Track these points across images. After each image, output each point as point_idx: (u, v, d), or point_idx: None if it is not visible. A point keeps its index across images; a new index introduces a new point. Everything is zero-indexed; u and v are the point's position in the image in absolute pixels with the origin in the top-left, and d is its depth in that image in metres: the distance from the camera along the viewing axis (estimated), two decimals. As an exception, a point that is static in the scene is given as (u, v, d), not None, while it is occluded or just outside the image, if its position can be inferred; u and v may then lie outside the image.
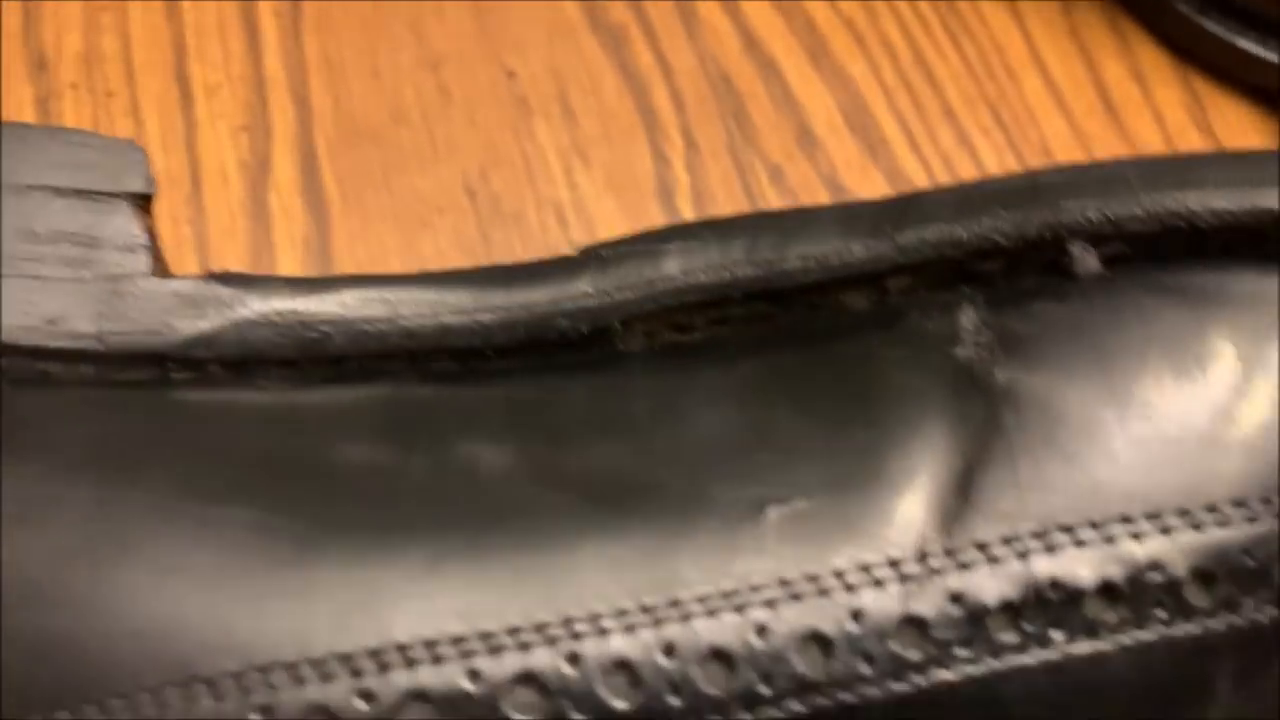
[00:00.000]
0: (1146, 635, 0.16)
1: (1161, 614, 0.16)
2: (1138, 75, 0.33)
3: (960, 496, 0.16)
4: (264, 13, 0.33)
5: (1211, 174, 0.17)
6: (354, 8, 0.33)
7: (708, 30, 0.33)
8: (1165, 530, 0.16)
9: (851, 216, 0.18)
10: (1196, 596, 0.16)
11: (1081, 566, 0.16)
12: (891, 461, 0.16)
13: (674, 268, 0.18)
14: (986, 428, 0.16)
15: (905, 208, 0.18)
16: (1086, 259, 0.17)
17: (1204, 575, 0.16)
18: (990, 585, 0.16)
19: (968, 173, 0.32)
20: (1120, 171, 0.18)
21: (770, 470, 0.16)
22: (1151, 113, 0.33)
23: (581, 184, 0.31)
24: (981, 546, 0.16)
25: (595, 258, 0.19)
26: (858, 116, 0.32)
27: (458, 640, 0.15)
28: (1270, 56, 0.32)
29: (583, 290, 0.19)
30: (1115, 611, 0.16)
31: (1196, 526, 0.16)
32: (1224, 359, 0.17)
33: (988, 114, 0.33)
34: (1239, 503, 0.16)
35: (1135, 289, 0.17)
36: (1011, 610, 0.16)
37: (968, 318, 0.17)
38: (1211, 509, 0.16)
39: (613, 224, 0.30)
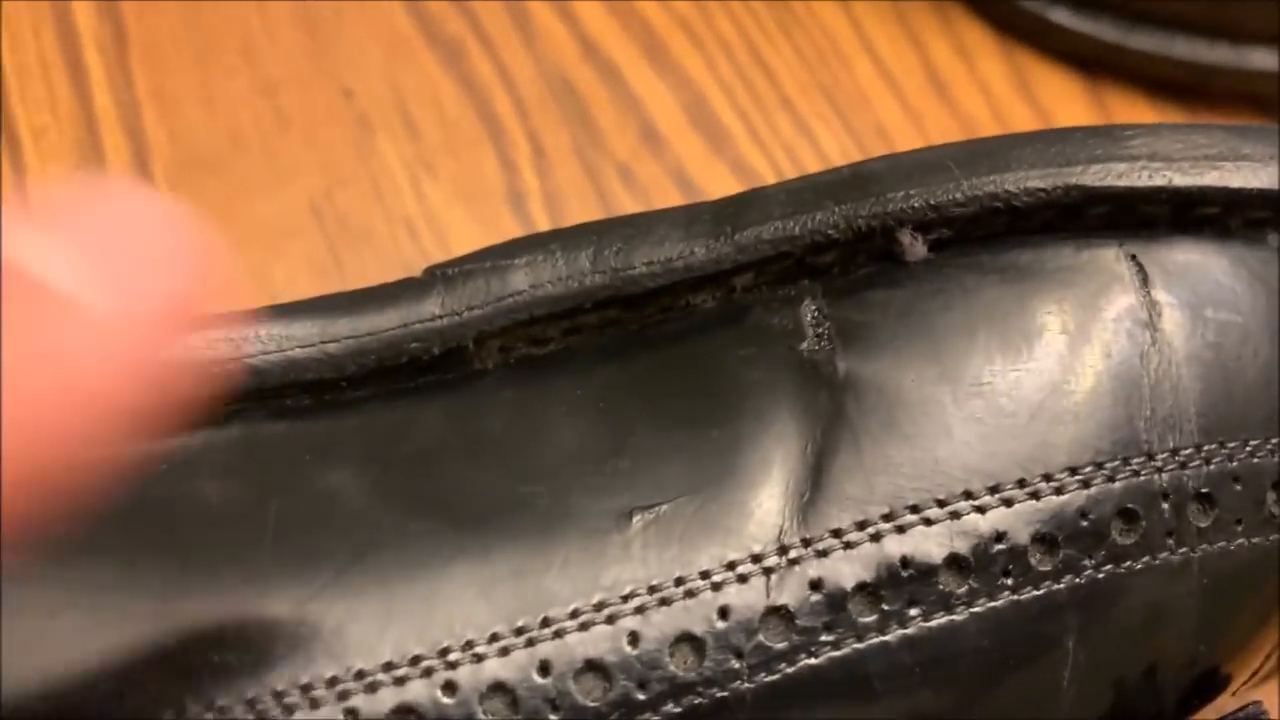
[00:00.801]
0: (996, 603, 0.16)
1: (1008, 581, 0.16)
2: (963, 52, 0.35)
3: (813, 486, 0.16)
4: (88, 49, 0.32)
5: (1025, 155, 0.18)
6: (183, 38, 0.32)
7: (545, 37, 0.33)
8: (1006, 502, 0.17)
9: (692, 218, 0.19)
10: (1040, 561, 0.17)
11: (930, 543, 0.16)
12: (747, 458, 0.17)
13: (522, 281, 0.18)
14: (832, 417, 0.17)
15: (741, 206, 0.19)
16: (915, 245, 0.18)
17: (1045, 540, 0.17)
18: (847, 570, 0.16)
19: (809, 160, 0.33)
20: (940, 158, 0.18)
21: (631, 477, 0.17)
22: (978, 87, 0.34)
23: (430, 196, 0.31)
24: (836, 533, 0.16)
25: (441, 277, 0.19)
26: (699, 112, 0.33)
27: (331, 682, 0.15)
28: (1082, 27, 0.34)
29: (431, 311, 0.19)
30: (965, 583, 0.16)
31: (1035, 495, 0.17)
32: (1049, 332, 0.17)
33: (823, 101, 0.33)
34: (1073, 469, 0.17)
35: (961, 270, 0.18)
36: (869, 591, 0.16)
37: (808, 310, 0.18)
38: (1048, 477, 0.17)
39: (465, 233, 0.30)
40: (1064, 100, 0.34)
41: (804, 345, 0.18)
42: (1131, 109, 0.34)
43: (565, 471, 0.17)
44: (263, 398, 0.18)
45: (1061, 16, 0.34)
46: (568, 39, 0.33)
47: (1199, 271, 0.18)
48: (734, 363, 0.18)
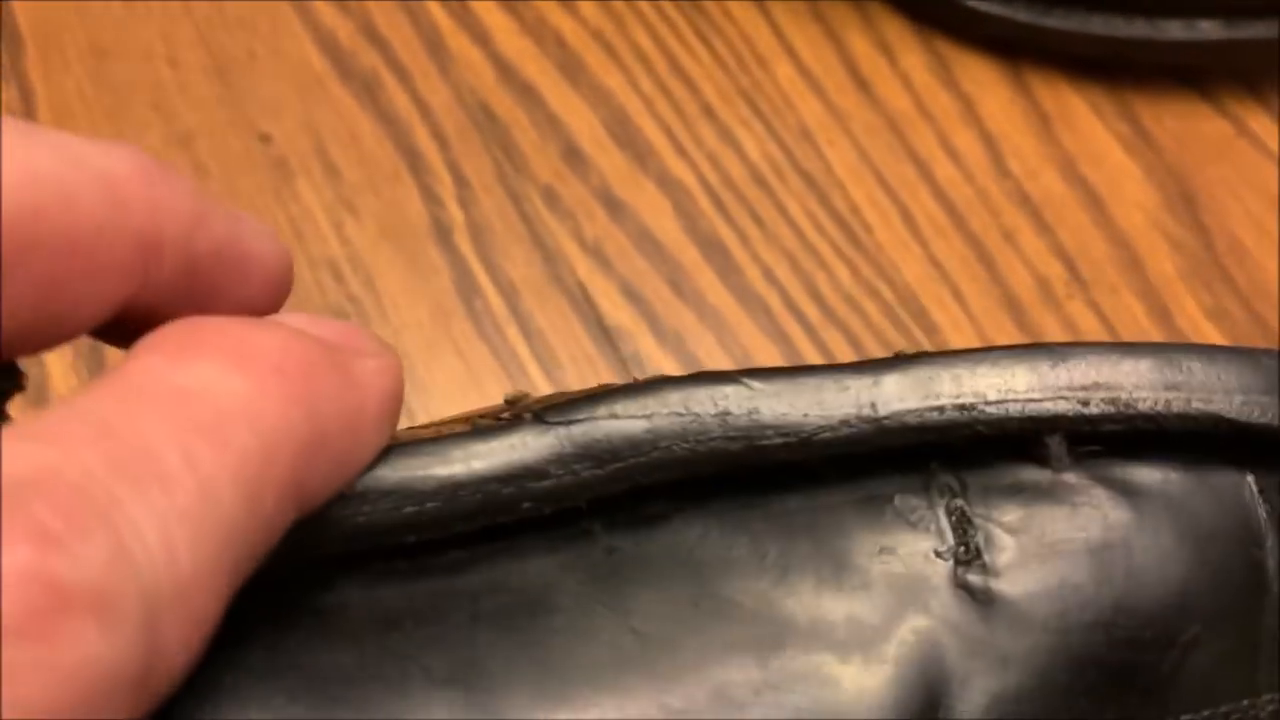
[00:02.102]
0: None
1: None
2: (883, 47, 0.35)
3: (943, 712, 0.16)
4: (-4, 114, 0.32)
5: (1170, 377, 0.18)
6: (92, 96, 0.32)
7: (460, 64, 0.33)
8: None
9: (826, 387, 0.18)
10: None
11: None
12: (883, 694, 0.16)
13: (645, 440, 0.17)
14: (975, 642, 0.17)
15: (883, 381, 0.18)
16: (1062, 454, 0.18)
17: None
18: None
19: (734, 168, 0.32)
20: (1093, 370, 0.18)
21: (787, 695, 0.16)
22: (900, 81, 0.34)
23: (353, 237, 0.30)
24: None
25: (556, 426, 0.17)
26: (621, 128, 0.33)
27: None
28: (1000, 11, 0.34)
29: (546, 468, 0.17)
30: None
31: None
32: (1178, 562, 0.18)
33: (745, 106, 0.33)
34: (1196, 709, 0.17)
35: (1102, 489, 0.18)
36: None
37: (951, 513, 0.18)
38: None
39: (392, 273, 0.30)
40: (986, 86, 0.34)
41: (951, 555, 0.17)
42: (1053, 90, 0.34)
43: (708, 690, 0.16)
44: (348, 562, 0.16)
45: (978, 2, 0.33)
46: (483, 63, 0.33)
47: None
48: (879, 566, 0.17)
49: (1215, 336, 0.31)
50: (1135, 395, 0.18)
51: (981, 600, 0.17)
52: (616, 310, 0.30)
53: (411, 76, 0.33)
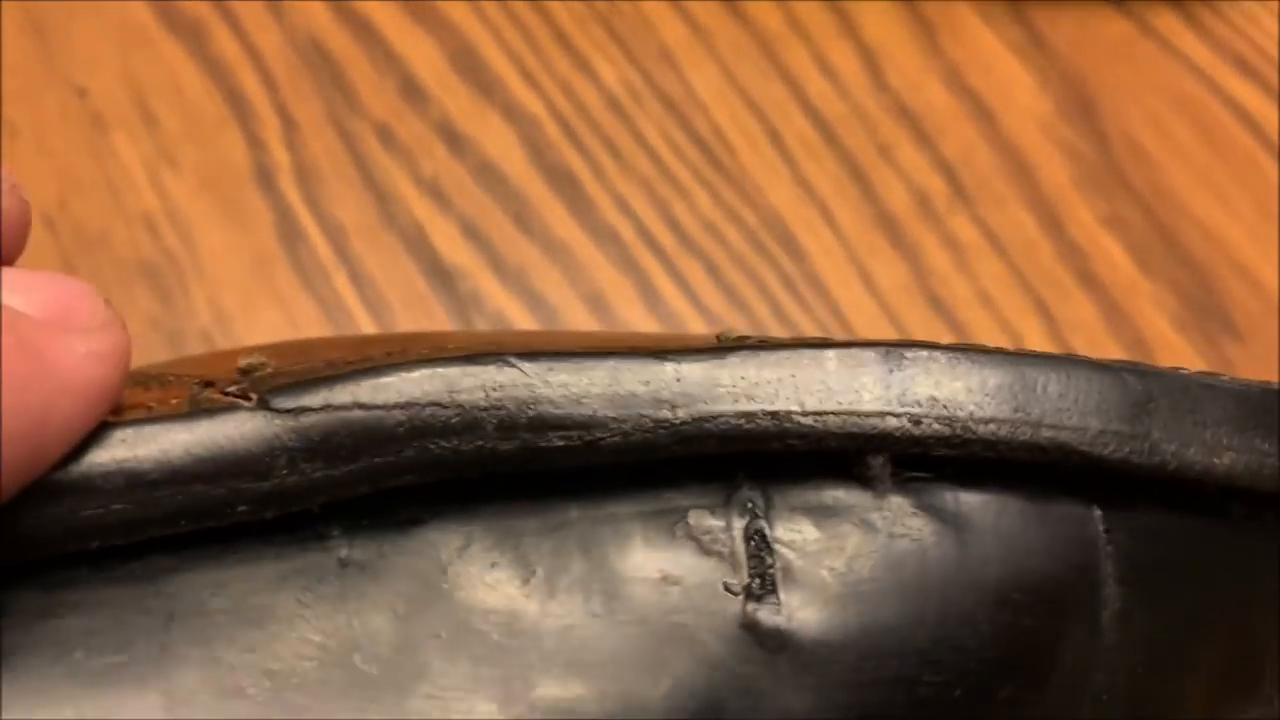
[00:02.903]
0: None
1: None
2: (752, -37, 0.32)
3: None
4: None
5: (1019, 399, 0.15)
6: (-100, 58, 0.30)
7: (293, 4, 0.31)
8: None
9: (619, 381, 0.15)
10: None
11: None
12: None
13: (400, 435, 0.14)
14: (756, 692, 0.14)
15: (685, 380, 0.15)
16: (884, 475, 0.15)
17: None
18: None
19: (588, 96, 0.30)
20: (930, 381, 0.15)
21: None
22: (770, -3, 0.32)
23: (172, 190, 0.28)
24: None
25: (285, 415, 0.14)
26: (465, 60, 0.30)
27: None
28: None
29: (268, 466, 0.14)
30: None
31: None
32: (1006, 603, 0.15)
33: (602, 31, 0.31)
34: None
35: (925, 519, 0.15)
36: None
37: (751, 534, 0.15)
38: None
39: (211, 223, 0.28)
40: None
41: (742, 587, 0.15)
42: (942, 3, 0.32)
43: None
44: (32, 569, 0.14)
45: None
46: (318, 1, 0.31)
47: (1168, 550, 0.16)
48: (659, 600, 0.15)
49: (1111, 244, 0.29)
50: (976, 417, 0.15)
51: (770, 646, 0.15)
52: (454, 249, 0.28)
53: (242, 21, 0.31)
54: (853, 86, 0.31)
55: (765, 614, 0.14)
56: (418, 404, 0.14)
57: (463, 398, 0.14)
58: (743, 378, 0.15)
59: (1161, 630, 0.16)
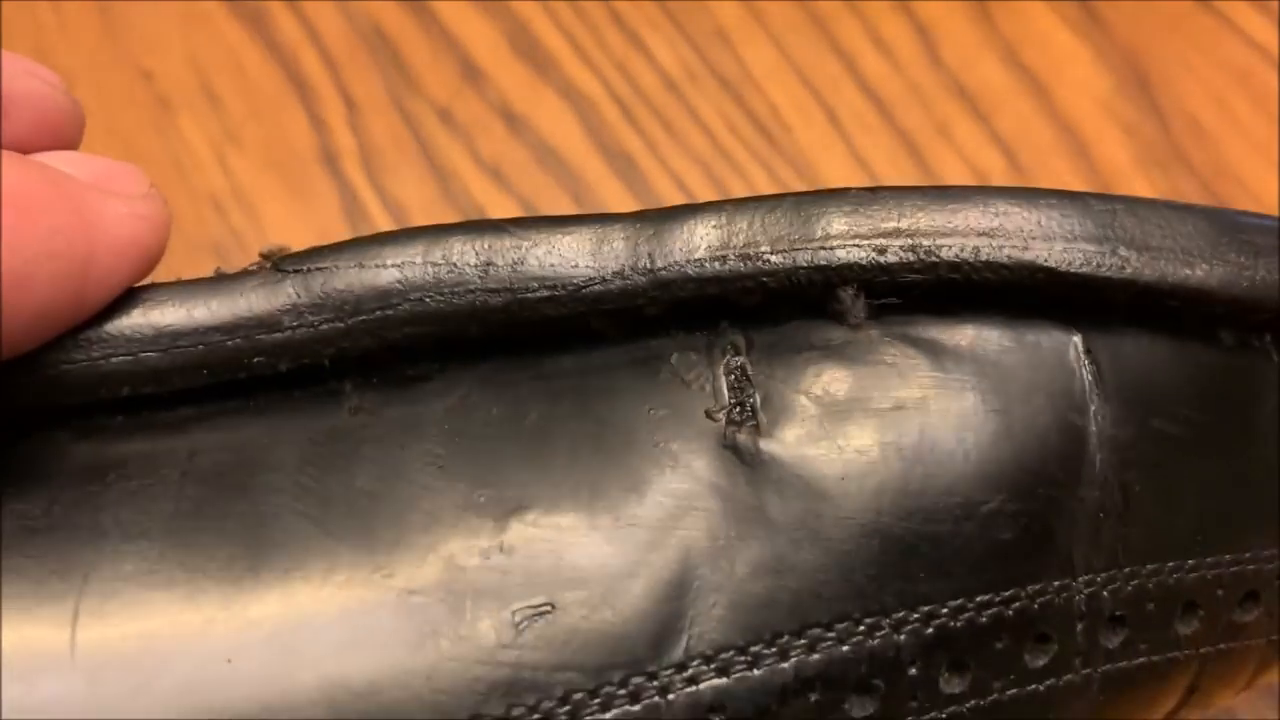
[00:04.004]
0: None
1: (914, 704, 0.15)
2: (806, -60, 0.32)
3: (722, 593, 0.14)
4: (-126, 68, 0.30)
5: (990, 221, 0.16)
6: (-30, 42, 0.31)
7: (352, -14, 0.31)
8: (924, 621, 0.15)
9: (600, 238, 0.16)
10: (948, 684, 0.15)
11: (841, 665, 0.15)
12: (652, 557, 0.15)
13: (396, 291, 0.15)
14: (750, 514, 0.15)
15: (659, 232, 0.16)
16: (855, 307, 0.16)
17: (958, 665, 0.15)
18: (748, 693, 0.14)
19: (643, 76, 0.30)
20: (899, 207, 0.16)
21: (518, 569, 0.14)
22: (825, -26, 0.32)
23: (237, 169, 0.29)
24: (742, 650, 0.14)
25: (294, 274, 0.15)
26: (522, 41, 0.31)
27: None
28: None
29: (281, 319, 0.15)
30: (873, 706, 0.15)
31: (955, 615, 0.15)
32: (985, 433, 0.15)
33: (656, 9, 0.31)
34: (995, 590, 0.15)
35: (904, 346, 0.16)
36: (771, 715, 0.14)
37: (729, 370, 0.16)
38: (969, 596, 0.15)
39: (277, 204, 0.28)
40: (917, -28, 0.32)
41: (724, 415, 0.15)
42: (991, -29, 0.32)
43: (440, 555, 0.14)
44: (70, 414, 0.15)
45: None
46: (377, -16, 0.31)
47: (1151, 373, 0.16)
48: (646, 427, 0.15)
49: (1169, 221, 0.29)
50: (939, 243, 0.15)
51: (750, 463, 0.15)
52: (514, 229, 0.28)
53: (301, 2, 0.31)
54: (908, 63, 0.31)
55: (745, 436, 0.15)
56: (412, 262, 0.15)
57: (454, 256, 0.15)
58: (715, 226, 0.16)
59: (1153, 449, 0.16)
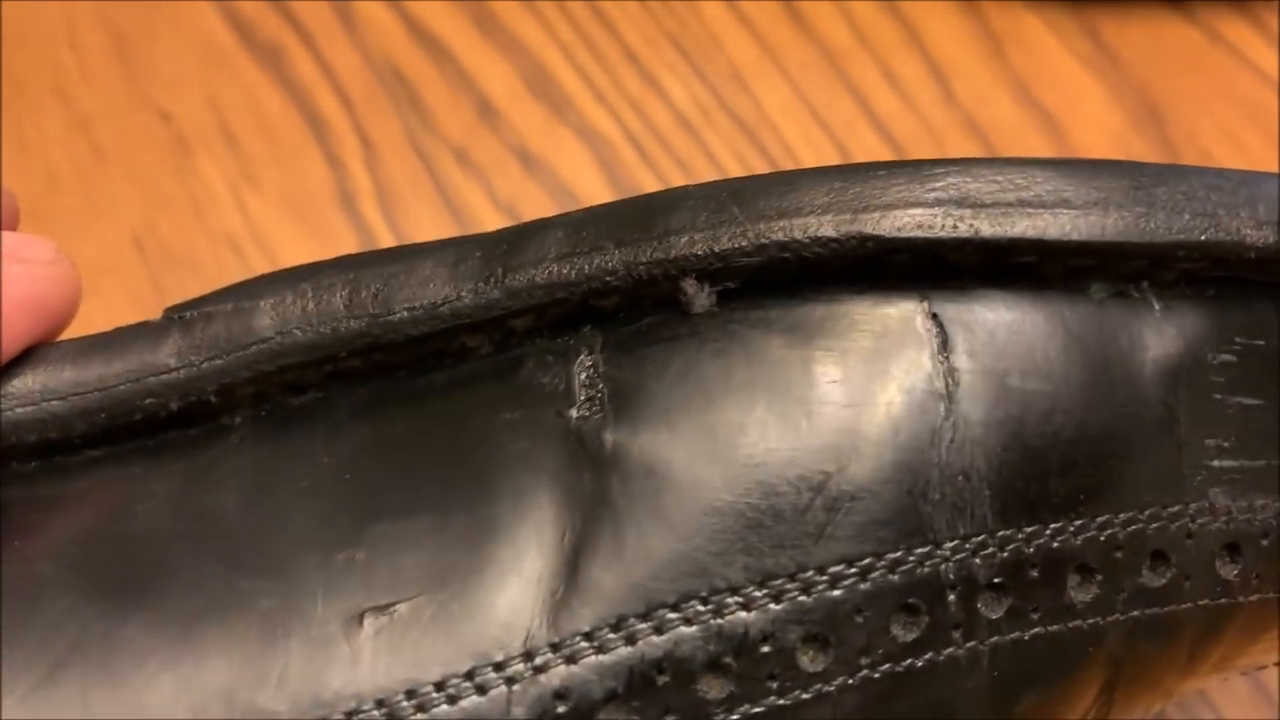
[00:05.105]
0: (759, 709, 0.15)
1: (773, 685, 0.15)
2: (819, -22, 0.32)
3: (567, 582, 0.15)
4: (-105, 109, 0.31)
5: (819, 197, 0.16)
6: (-10, 83, 0.31)
7: (368, 24, 0.31)
8: (775, 598, 0.15)
9: (460, 257, 0.17)
10: (810, 662, 0.15)
11: (691, 645, 0.15)
12: (497, 550, 0.15)
13: (267, 326, 0.16)
14: (595, 501, 0.15)
15: (515, 244, 0.16)
16: (699, 296, 0.16)
17: (816, 639, 0.15)
18: (597, 677, 0.14)
19: (659, 116, 0.30)
20: (729, 195, 0.16)
21: (368, 572, 0.15)
22: (839, 10, 0.32)
23: (254, 210, 0.29)
24: (588, 635, 0.15)
25: (178, 321, 0.17)
26: (538, 81, 0.31)
27: None
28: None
29: (166, 362, 0.17)
30: (728, 688, 0.15)
31: (807, 590, 0.15)
32: (831, 404, 0.15)
33: (670, 49, 0.31)
34: (850, 561, 0.15)
35: (746, 327, 0.16)
36: (621, 701, 0.15)
37: (583, 367, 0.16)
38: (821, 570, 0.15)
39: (294, 243, 0.28)
40: (931, 10, 0.32)
41: (574, 411, 0.16)
42: (1005, 9, 0.32)
43: (295, 564, 0.15)
44: None
45: (911, -79, 0.31)
46: (393, 24, 0.31)
47: (1007, 333, 0.16)
48: (498, 430, 0.16)
49: (1184, 259, 0.29)
50: (769, 225, 0.16)
51: (596, 454, 0.15)
52: (531, 269, 0.28)
53: (318, 43, 0.31)
54: (921, 100, 0.31)
55: (590, 427, 0.16)
56: (282, 299, 0.17)
57: (321, 290, 0.17)
58: (563, 233, 0.16)
59: (1017, 409, 0.16)
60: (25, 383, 0.17)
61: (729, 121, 0.30)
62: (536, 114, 0.30)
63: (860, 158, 0.30)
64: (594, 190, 0.29)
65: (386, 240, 0.29)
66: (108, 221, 0.29)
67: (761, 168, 0.30)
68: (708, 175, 0.30)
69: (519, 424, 0.16)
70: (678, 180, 0.30)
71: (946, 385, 0.16)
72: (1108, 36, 0.32)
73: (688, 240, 0.16)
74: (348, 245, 0.28)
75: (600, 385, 0.16)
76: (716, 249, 0.16)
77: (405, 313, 0.16)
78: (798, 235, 0.16)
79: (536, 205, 0.29)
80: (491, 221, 0.29)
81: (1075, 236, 0.16)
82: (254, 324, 0.16)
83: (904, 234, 0.16)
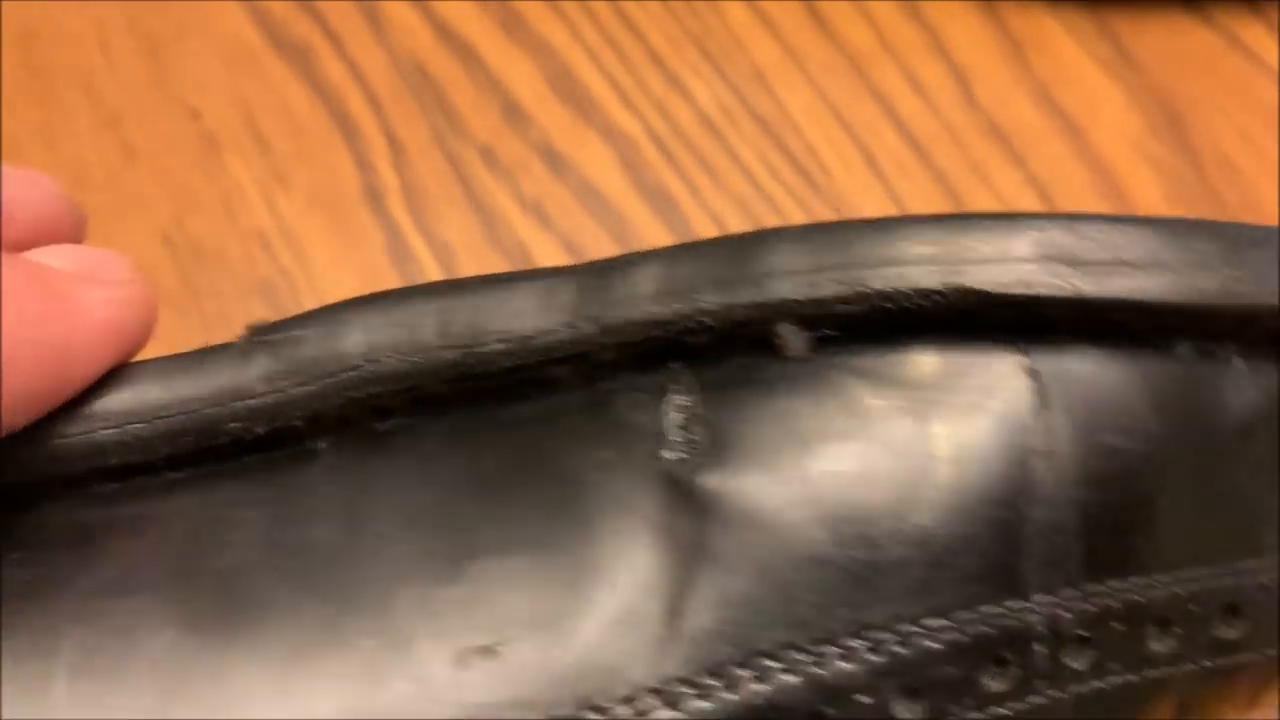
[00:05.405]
0: None
1: None
2: (841, -18, 0.33)
3: (669, 628, 0.15)
4: (-73, 108, 0.31)
5: (922, 249, 0.16)
6: (22, 80, 0.31)
7: (396, 26, 0.32)
8: (873, 649, 0.15)
9: (552, 290, 0.16)
10: (903, 711, 0.15)
11: (791, 695, 0.15)
12: (599, 593, 0.15)
13: (357, 353, 0.16)
14: (695, 546, 0.15)
15: (606, 279, 0.16)
16: (794, 341, 0.16)
17: (910, 690, 0.15)
18: None
19: (683, 116, 0.31)
20: (822, 246, 0.16)
21: (470, 610, 0.15)
22: (861, 14, 0.32)
23: (283, 208, 0.29)
24: (690, 681, 0.15)
25: (264, 344, 0.17)
26: (564, 82, 0.31)
27: None
28: (961, -66, 0.32)
29: (254, 386, 0.16)
30: None
31: (903, 642, 0.15)
32: (932, 459, 0.15)
33: (694, 51, 0.31)
34: (944, 613, 0.15)
35: (842, 375, 0.16)
36: None
37: (675, 406, 0.16)
38: (916, 622, 0.15)
39: (323, 242, 0.29)
40: (954, 15, 0.32)
41: (669, 453, 0.16)
42: (1025, 14, 0.32)
43: (394, 601, 0.15)
44: (66, 484, 0.16)
45: (934, -74, 0.32)
46: (420, 25, 0.32)
47: (1100, 389, 0.16)
48: (593, 469, 0.16)
49: (1204, 261, 0.29)
50: (870, 273, 0.16)
51: (694, 499, 0.15)
52: (557, 268, 0.28)
53: (345, 43, 0.32)
54: (943, 104, 0.31)
55: (689, 472, 0.16)
56: (373, 325, 0.16)
57: (411, 317, 0.16)
58: (657, 271, 0.16)
59: (1107, 465, 0.16)
60: (108, 405, 0.16)
61: (752, 122, 0.31)
62: (562, 115, 0.30)
63: (883, 159, 0.30)
64: (619, 190, 0.30)
65: (414, 239, 0.29)
66: (137, 219, 0.29)
67: (784, 168, 0.30)
68: (732, 175, 0.30)
69: (614, 464, 0.16)
70: (701, 180, 0.30)
71: (1044, 442, 0.16)
72: (1126, 40, 0.32)
73: (788, 286, 0.16)
74: (375, 244, 0.29)
75: (695, 428, 0.16)
76: (816, 295, 0.16)
77: (498, 345, 0.16)
78: (900, 285, 0.16)
79: (562, 205, 0.29)
80: (518, 220, 0.29)
81: (1173, 298, 0.16)
82: (344, 351, 0.16)
83: (1007, 289, 0.16)
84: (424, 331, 0.16)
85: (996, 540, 0.15)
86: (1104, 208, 0.30)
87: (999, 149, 0.30)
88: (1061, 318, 0.16)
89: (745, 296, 0.16)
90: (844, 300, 0.16)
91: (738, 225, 0.29)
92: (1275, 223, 0.30)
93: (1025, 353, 0.16)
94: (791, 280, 0.16)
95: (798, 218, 0.29)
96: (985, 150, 0.30)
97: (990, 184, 0.30)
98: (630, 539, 0.15)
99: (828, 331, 0.16)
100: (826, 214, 0.29)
